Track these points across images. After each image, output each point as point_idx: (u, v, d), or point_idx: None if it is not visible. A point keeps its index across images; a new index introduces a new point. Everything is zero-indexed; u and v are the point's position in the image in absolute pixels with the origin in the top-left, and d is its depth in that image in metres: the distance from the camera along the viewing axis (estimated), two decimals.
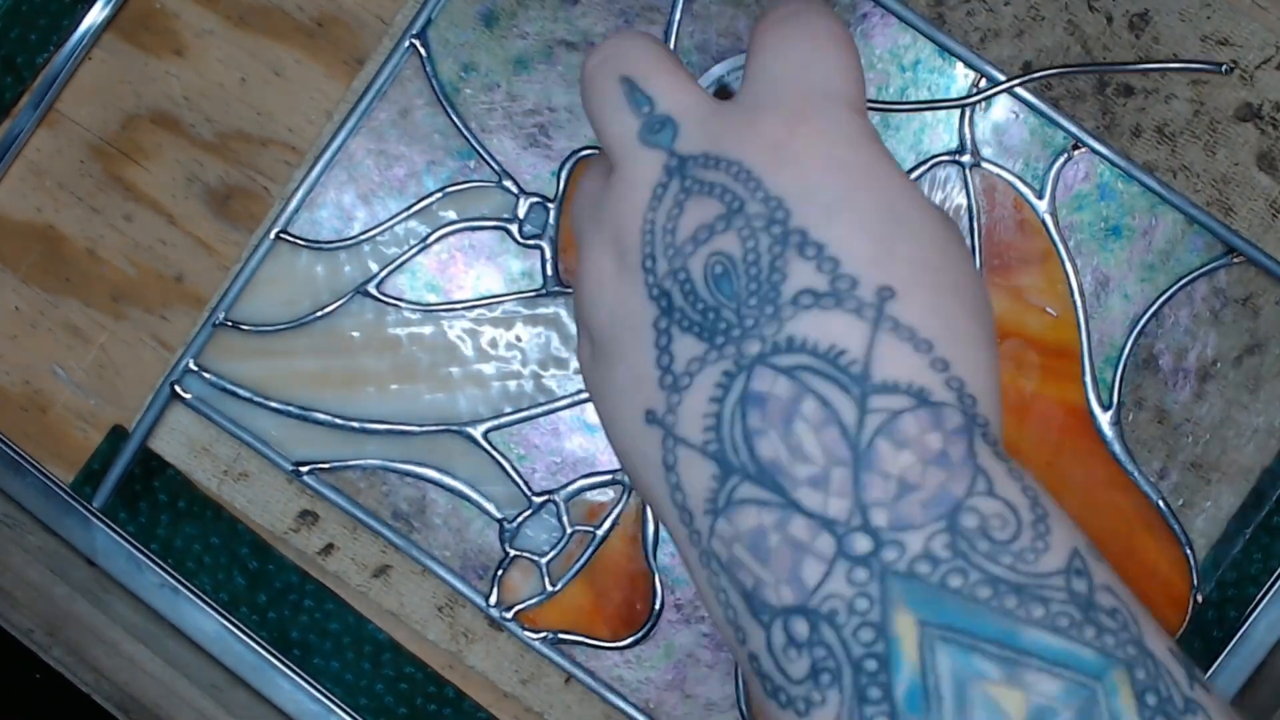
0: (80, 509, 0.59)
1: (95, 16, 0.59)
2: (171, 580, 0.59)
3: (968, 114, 0.56)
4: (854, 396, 0.36)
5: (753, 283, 0.37)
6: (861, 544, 0.34)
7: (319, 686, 0.59)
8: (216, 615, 0.59)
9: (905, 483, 0.35)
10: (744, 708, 0.56)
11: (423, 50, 0.57)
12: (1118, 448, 0.56)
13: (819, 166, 0.38)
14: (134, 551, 0.59)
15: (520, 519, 0.56)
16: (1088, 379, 0.56)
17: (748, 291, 0.37)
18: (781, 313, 0.37)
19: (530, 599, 0.56)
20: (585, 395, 0.56)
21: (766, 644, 0.35)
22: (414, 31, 0.57)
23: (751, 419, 0.36)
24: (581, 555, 0.56)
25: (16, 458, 0.59)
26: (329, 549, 0.57)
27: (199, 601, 0.59)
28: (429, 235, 0.57)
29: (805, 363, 0.36)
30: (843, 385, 0.36)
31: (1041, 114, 0.56)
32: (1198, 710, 0.34)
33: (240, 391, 0.56)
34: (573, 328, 0.56)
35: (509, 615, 0.56)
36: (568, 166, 0.57)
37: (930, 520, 0.34)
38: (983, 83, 0.56)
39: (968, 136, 0.56)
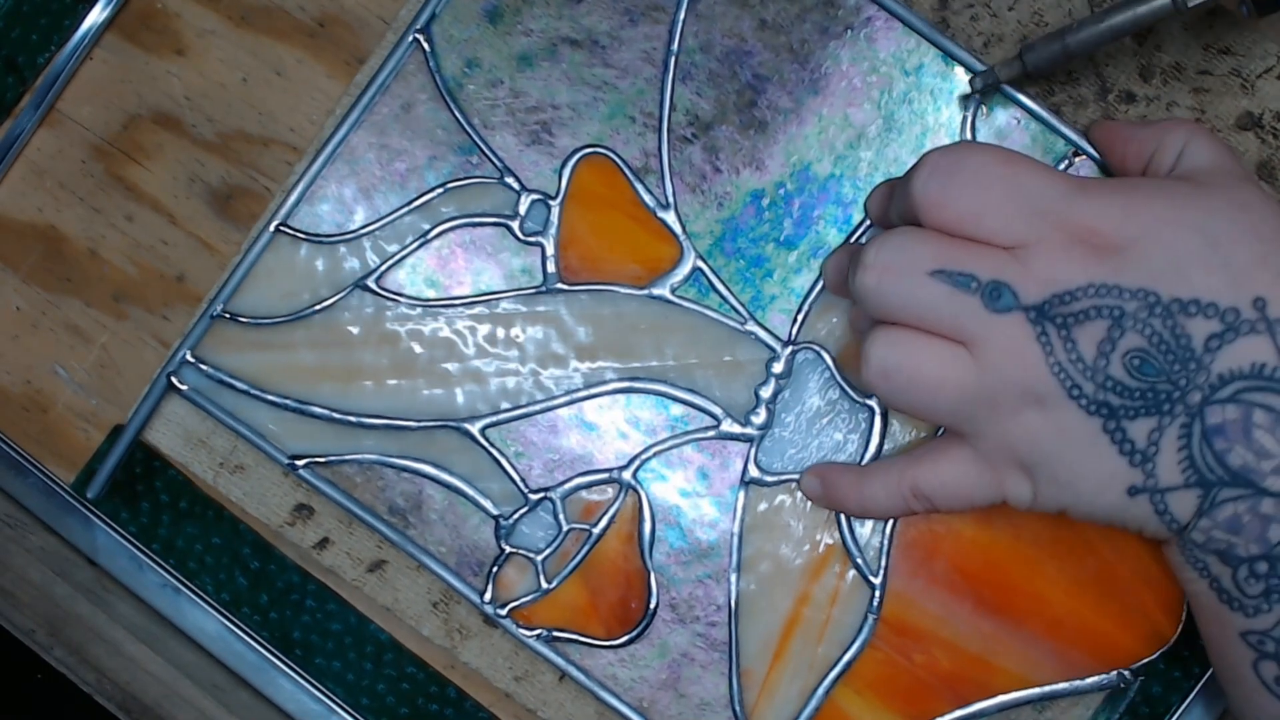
0: (82, 509, 0.59)
1: (96, 16, 0.59)
2: (173, 580, 0.59)
3: (969, 119, 0.56)
4: None
5: (1169, 355, 0.45)
6: None
7: (320, 686, 0.59)
8: (218, 615, 0.59)
9: None
10: (737, 707, 0.55)
11: (426, 45, 0.57)
12: None
13: (1137, 249, 0.46)
14: (135, 551, 0.59)
15: (516, 516, 0.56)
16: None
17: (1168, 363, 0.45)
18: (1203, 361, 0.45)
19: (525, 596, 0.56)
20: (583, 393, 0.56)
21: (1232, 576, 0.47)
22: (418, 26, 0.57)
23: (1216, 444, 0.45)
24: (577, 553, 0.56)
25: (18, 458, 0.60)
26: (324, 543, 0.57)
27: (200, 601, 0.59)
28: (429, 230, 0.57)
29: (1241, 386, 0.45)
30: (1277, 390, 0.45)
31: (1042, 120, 0.56)
32: None
33: (237, 384, 0.56)
34: (571, 325, 0.56)
35: (504, 612, 0.56)
36: (570, 164, 0.57)
37: None
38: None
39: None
